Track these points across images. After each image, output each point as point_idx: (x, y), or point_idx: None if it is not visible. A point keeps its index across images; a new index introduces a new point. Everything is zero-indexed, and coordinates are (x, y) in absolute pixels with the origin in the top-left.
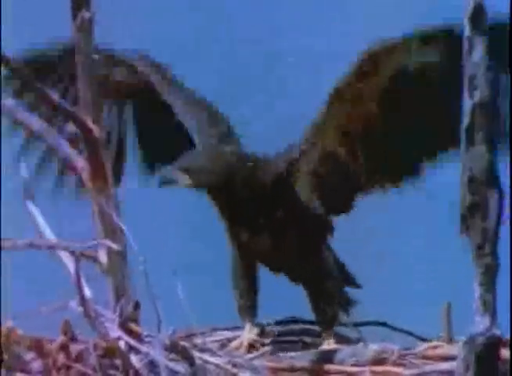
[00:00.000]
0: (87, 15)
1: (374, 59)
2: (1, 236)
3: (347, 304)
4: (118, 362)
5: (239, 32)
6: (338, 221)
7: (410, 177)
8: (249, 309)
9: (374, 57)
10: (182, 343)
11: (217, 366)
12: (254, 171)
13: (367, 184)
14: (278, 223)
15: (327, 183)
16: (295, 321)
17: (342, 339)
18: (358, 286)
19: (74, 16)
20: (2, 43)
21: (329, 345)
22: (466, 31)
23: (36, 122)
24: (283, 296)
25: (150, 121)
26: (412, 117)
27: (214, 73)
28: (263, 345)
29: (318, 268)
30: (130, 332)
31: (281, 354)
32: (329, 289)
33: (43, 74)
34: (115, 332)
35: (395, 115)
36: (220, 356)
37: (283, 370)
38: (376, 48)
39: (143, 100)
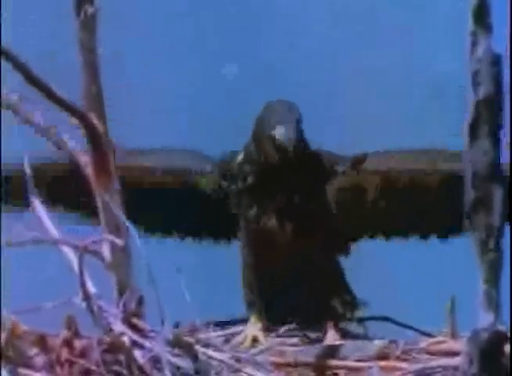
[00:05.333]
0: (90, 10)
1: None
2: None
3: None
4: (122, 357)
5: None
6: None
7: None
8: (256, 303)
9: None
10: (186, 338)
11: (220, 361)
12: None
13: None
14: (307, 214)
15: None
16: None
17: (346, 334)
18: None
19: (77, 12)
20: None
21: (333, 340)
22: (470, 26)
23: (39, 117)
24: None
25: None
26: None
27: None
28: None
29: (332, 267)
30: (133, 327)
31: (285, 349)
32: (342, 287)
33: None
34: (118, 327)
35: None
36: (224, 351)
37: (287, 365)
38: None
39: None
